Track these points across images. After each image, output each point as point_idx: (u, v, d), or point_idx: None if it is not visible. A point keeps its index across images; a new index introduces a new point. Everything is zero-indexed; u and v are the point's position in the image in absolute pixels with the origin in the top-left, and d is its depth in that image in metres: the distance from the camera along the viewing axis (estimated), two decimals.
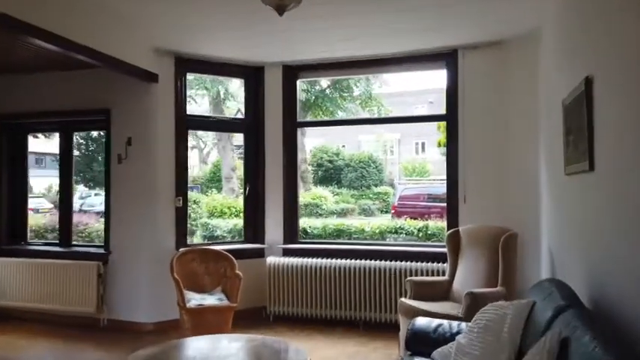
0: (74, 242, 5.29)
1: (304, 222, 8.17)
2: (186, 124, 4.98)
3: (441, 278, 4.18)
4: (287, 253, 5.12)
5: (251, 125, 5.28)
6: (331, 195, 12.57)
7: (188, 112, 5.08)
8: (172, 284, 4.13)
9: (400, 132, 17.35)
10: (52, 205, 7.15)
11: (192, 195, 8.54)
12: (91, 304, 4.78)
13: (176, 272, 4.23)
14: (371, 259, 4.75)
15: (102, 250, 4.91)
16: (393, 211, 11.46)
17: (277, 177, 5.20)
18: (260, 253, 5.18)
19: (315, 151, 14.57)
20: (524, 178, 4.25)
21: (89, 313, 4.80)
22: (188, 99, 5.19)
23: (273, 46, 4.68)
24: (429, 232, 6.45)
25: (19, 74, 5.14)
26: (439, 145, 13.89)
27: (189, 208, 5.23)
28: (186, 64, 4.91)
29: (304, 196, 10.96)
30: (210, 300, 4.23)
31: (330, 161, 14.62)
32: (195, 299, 4.18)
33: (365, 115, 11.99)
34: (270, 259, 4.98)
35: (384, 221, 9.24)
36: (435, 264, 4.52)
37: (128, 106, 4.81)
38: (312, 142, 14.52)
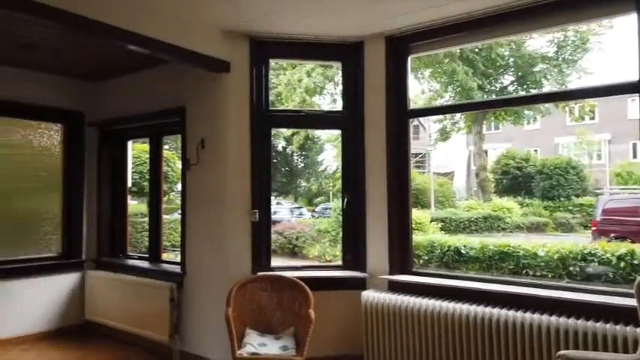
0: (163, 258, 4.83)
1: (458, 239, 6.74)
2: (268, 120, 4.08)
3: (622, 358, 2.40)
4: (394, 287, 3.80)
5: (350, 119, 4.13)
6: (518, 206, 10.64)
7: (271, 107, 4.18)
8: None
9: (611, 132, 14.12)
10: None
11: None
12: (164, 332, 4.18)
13: (234, 307, 3.32)
14: (525, 310, 3.10)
15: (179, 270, 4.30)
16: (593, 228, 9.00)
17: (381, 184, 3.94)
18: (361, 284, 3.96)
19: (499, 157, 12.79)
20: None
21: (163, 341, 4.21)
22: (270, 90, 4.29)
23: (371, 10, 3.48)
24: (635, 262, 4.38)
25: (104, 80, 5.05)
26: None
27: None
28: (266, 47, 4.03)
29: (482, 207, 9.39)
30: (271, 348, 3.19)
31: (519, 168, 12.65)
32: (251, 344, 3.19)
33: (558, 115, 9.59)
34: (367, 295, 3.72)
35: (568, 244, 7.09)
36: (622, 327, 2.71)
37: (201, 103, 4.14)
38: (494, 147, 12.75)
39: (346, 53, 4.12)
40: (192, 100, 4.20)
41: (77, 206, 5.10)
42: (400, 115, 3.95)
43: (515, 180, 12.39)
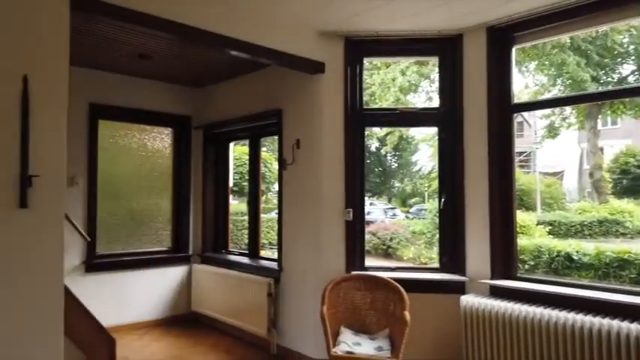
0: (262, 255, 5.02)
1: (569, 244, 6.22)
2: (362, 119, 4.06)
3: None
4: (496, 292, 3.58)
5: (448, 116, 3.97)
6: None
7: (364, 106, 4.15)
8: None
9: None
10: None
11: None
12: (262, 326, 4.34)
13: (328, 305, 3.34)
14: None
15: (276, 266, 4.43)
16: None
17: (482, 183, 3.73)
18: (460, 288, 3.79)
19: (617, 155, 11.63)
20: None
21: (262, 334, 4.37)
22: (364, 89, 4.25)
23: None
24: None
25: (209, 86, 5.39)
26: None
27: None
28: (360, 46, 4.01)
29: (598, 210, 8.63)
30: (366, 347, 3.15)
31: None
32: (346, 343, 3.18)
33: None
34: (467, 300, 3.53)
35: None
36: None
37: (296, 104, 4.24)
38: (611, 144, 11.64)
39: (444, 48, 3.96)
40: (288, 102, 4.32)
41: (185, 204, 5.49)
42: (503, 111, 3.71)
43: (637, 180, 11.08)
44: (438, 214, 4.06)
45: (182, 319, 5.34)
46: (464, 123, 3.84)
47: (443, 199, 3.97)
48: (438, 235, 4.11)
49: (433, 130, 10.13)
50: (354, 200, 3.99)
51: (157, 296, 5.23)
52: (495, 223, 3.66)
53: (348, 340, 3.24)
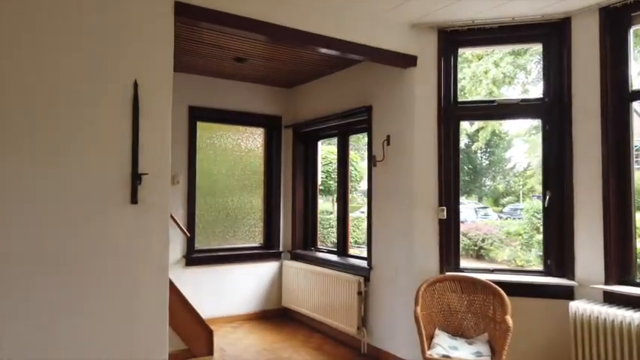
0: (350, 253, 4.99)
1: None
2: (456, 113, 3.88)
3: None
4: (612, 299, 3.24)
5: (553, 107, 3.66)
6: None
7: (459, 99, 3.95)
8: None
9: None
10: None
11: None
12: (352, 324, 4.31)
13: (422, 306, 3.23)
14: None
15: (366, 265, 4.38)
16: None
17: (594, 179, 3.39)
18: (567, 293, 3.48)
19: None
20: None
21: (352, 333, 4.34)
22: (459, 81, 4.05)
23: None
24: None
25: (298, 86, 5.49)
26: None
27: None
28: (454, 36, 3.84)
29: None
30: (463, 352, 2.99)
31: None
32: (442, 347, 3.05)
33: None
34: (577, 306, 3.23)
35: None
36: None
37: (387, 99, 4.15)
38: None
39: (548, 33, 3.67)
40: (378, 98, 4.25)
41: (275, 202, 5.63)
42: (619, 99, 3.34)
43: None
44: (540, 214, 3.76)
45: (273, 314, 5.48)
46: (572, 114, 3.51)
47: (547, 197, 3.67)
48: (540, 236, 3.82)
49: (529, 124, 9.51)
50: (448, 198, 3.83)
51: (250, 290, 5.41)
52: (610, 223, 3.31)
53: (444, 344, 3.10)
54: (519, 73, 9.39)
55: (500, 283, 3.36)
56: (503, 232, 10.35)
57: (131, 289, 2.61)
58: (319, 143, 5.59)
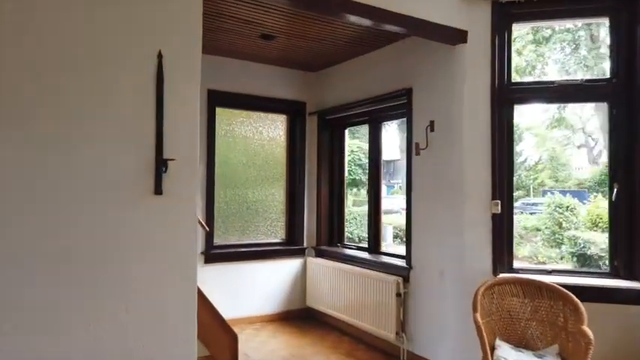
0: (382, 250, 4.60)
1: None
2: (511, 96, 3.46)
3: None
4: None
5: (623, 88, 3.25)
6: None
7: (513, 80, 3.53)
8: None
9: None
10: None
11: (565, 200, 6.83)
12: (390, 329, 3.93)
13: (481, 311, 2.84)
14: None
15: (404, 264, 3.99)
16: None
17: None
18: (636, 298, 3.08)
19: None
20: None
21: (389, 338, 3.96)
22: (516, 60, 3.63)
23: None
24: None
25: (324, 69, 5.08)
26: None
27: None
28: (510, 9, 3.41)
29: None
30: None
31: None
32: (505, 359, 2.66)
33: None
34: None
35: None
36: None
37: (430, 81, 3.74)
38: None
39: (617, 6, 3.24)
40: (420, 79, 3.84)
41: (299, 194, 5.24)
42: None
43: None
44: (608, 208, 3.35)
45: (296, 315, 5.11)
46: None
47: (615, 189, 3.26)
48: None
49: (540, 118, 9.14)
50: (502, 190, 3.42)
51: (272, 290, 5.03)
52: None
53: (508, 356, 2.71)
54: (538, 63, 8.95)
55: (562, 286, 2.96)
56: (520, 226, 9.93)
57: (156, 293, 2.24)
58: (346, 131, 5.18)
